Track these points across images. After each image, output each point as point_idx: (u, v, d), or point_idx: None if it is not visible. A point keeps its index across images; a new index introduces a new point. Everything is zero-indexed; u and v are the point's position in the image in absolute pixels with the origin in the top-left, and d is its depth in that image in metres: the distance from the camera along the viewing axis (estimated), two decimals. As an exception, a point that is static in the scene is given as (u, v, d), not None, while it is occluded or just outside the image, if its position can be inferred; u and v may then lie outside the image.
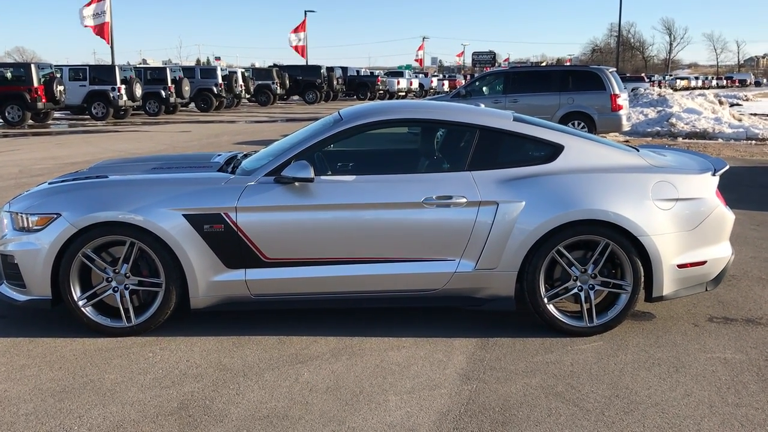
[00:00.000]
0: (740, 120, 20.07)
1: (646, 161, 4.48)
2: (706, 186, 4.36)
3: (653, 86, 35.60)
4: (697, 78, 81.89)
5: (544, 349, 4.11)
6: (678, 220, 4.26)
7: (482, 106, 5.28)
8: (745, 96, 43.55)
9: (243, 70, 35.94)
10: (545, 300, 4.27)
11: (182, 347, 4.14)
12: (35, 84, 21.37)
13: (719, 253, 4.40)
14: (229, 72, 33.66)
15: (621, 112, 14.57)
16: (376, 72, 55.69)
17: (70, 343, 4.19)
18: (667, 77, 76.95)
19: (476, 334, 4.33)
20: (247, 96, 35.29)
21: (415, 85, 50.80)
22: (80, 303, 4.24)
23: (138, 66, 30.95)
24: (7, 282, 4.44)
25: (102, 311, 4.31)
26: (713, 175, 4.42)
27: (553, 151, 4.41)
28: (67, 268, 4.18)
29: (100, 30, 27.79)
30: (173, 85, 27.96)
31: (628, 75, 49.34)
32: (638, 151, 4.76)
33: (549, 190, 4.22)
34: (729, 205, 4.52)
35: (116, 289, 4.26)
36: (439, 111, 4.71)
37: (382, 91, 45.59)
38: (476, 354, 4.04)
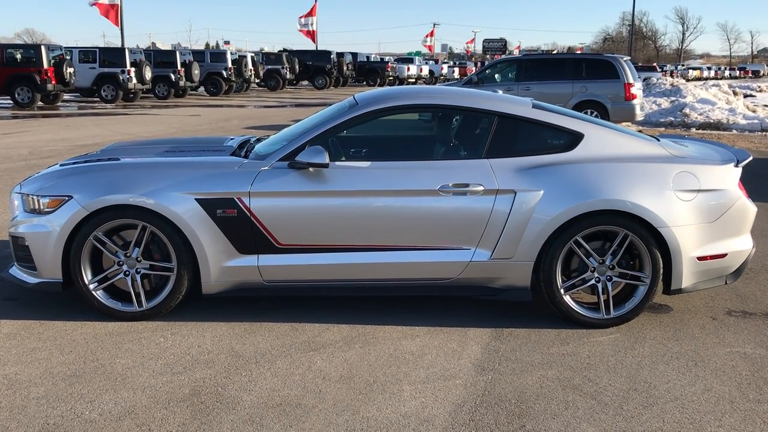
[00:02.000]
0: (755, 111, 19.85)
1: (667, 151, 4.39)
2: (728, 177, 4.27)
3: (665, 76, 35.27)
4: (709, 68, 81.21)
5: (560, 340, 4.05)
6: (699, 212, 4.17)
7: (500, 92, 5.18)
8: (759, 87, 43.03)
9: (252, 54, 35.77)
10: (562, 291, 4.20)
11: (194, 333, 4.10)
12: (45, 66, 21.37)
13: (740, 245, 4.32)
14: (239, 56, 33.54)
15: (635, 101, 14.40)
16: (386, 58, 55.37)
17: (81, 327, 4.16)
18: (679, 67, 76.27)
19: (491, 325, 4.27)
20: (257, 80, 35.19)
21: (425, 71, 50.56)
22: (91, 286, 4.20)
23: (147, 49, 30.84)
24: (18, 264, 4.40)
25: (113, 295, 4.27)
26: (736, 166, 4.33)
27: (573, 139, 4.32)
28: (78, 251, 4.14)
29: (106, 10, 27.60)
30: (183, 69, 27.90)
31: (640, 64, 48.91)
32: (659, 140, 4.67)
33: (568, 179, 4.14)
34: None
35: (127, 272, 4.22)
36: (457, 97, 4.63)
37: (392, 78, 45.38)
38: (491, 344, 3.98)
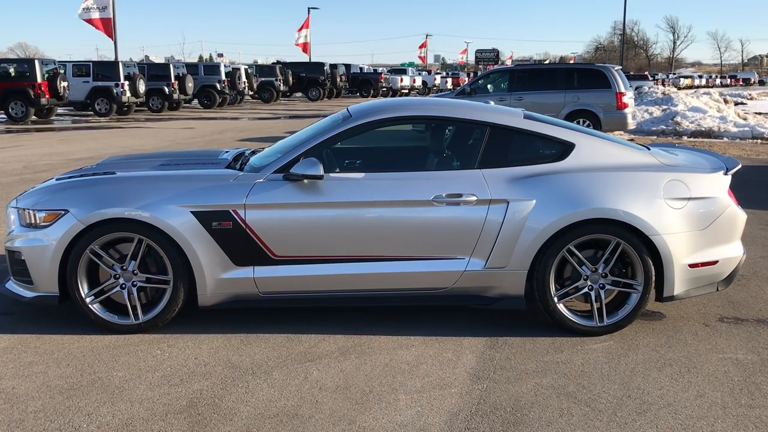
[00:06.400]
0: (745, 119, 20.01)
1: (657, 160, 4.45)
2: (718, 185, 4.33)
3: (657, 85, 35.54)
4: (700, 77, 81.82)
5: (555, 348, 4.08)
6: (690, 220, 4.22)
7: (492, 103, 5.24)
8: (749, 95, 43.46)
9: (246, 66, 35.84)
10: (555, 299, 4.24)
11: (190, 345, 4.12)
12: (39, 80, 21.36)
13: (731, 252, 4.37)
14: (233, 69, 33.61)
15: (626, 110, 14.51)
16: (380, 69, 55.59)
17: (78, 340, 4.17)
18: (670, 76, 76.80)
19: (485, 333, 4.30)
20: (250, 93, 35.24)
21: (419, 82, 50.75)
22: (88, 300, 4.22)
23: (141, 62, 30.89)
24: (14, 278, 4.42)
25: (109, 308, 4.29)
26: (725, 174, 4.39)
27: (564, 149, 4.37)
28: (75, 265, 4.16)
29: (99, 24, 27.62)
30: (176, 82, 27.93)
31: (631, 73, 49.25)
32: (649, 149, 4.73)
33: (560, 188, 4.19)
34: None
35: (124, 286, 4.24)
36: (450, 108, 4.68)
37: (385, 89, 45.54)
38: (486, 353, 4.01)
